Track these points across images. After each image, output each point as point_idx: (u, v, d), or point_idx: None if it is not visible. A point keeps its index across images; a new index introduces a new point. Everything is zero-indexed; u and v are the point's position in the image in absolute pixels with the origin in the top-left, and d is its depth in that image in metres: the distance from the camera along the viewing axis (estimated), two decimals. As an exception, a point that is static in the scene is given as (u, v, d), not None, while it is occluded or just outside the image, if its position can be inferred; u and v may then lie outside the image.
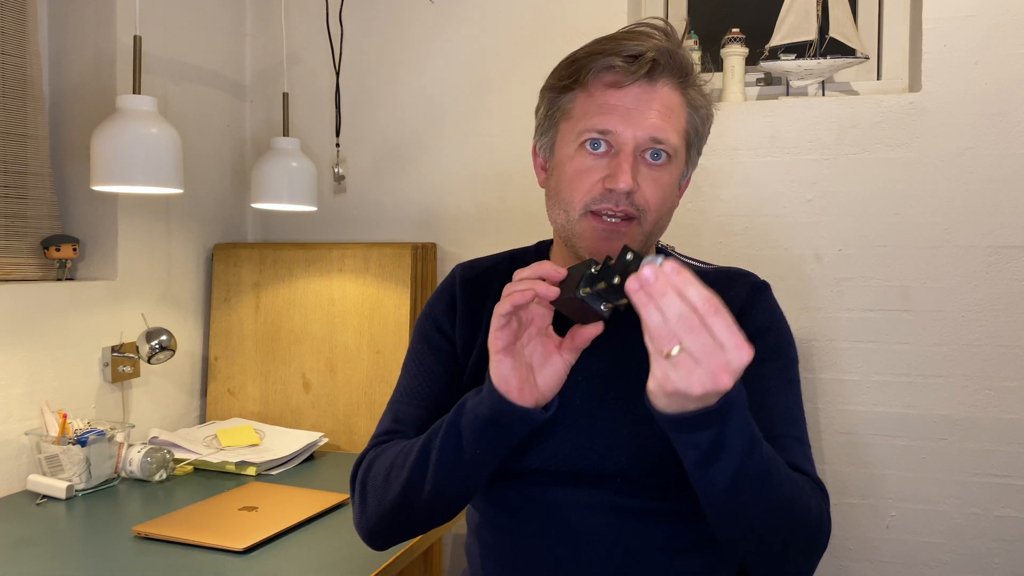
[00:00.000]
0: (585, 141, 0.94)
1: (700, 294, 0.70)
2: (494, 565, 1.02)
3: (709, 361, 0.69)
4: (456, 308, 1.06)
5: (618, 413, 0.96)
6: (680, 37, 0.98)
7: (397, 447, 0.98)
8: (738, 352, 0.69)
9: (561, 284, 0.82)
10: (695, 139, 1.00)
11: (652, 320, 0.70)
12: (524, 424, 0.86)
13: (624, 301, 0.76)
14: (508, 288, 0.83)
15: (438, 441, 0.90)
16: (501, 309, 0.83)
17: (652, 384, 0.73)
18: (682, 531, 0.96)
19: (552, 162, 1.01)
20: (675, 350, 0.69)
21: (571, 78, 0.96)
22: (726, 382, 0.70)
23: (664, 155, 0.95)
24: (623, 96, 0.93)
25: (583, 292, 0.79)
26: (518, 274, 0.84)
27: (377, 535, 1.00)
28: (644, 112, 0.93)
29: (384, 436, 1.03)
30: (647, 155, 0.94)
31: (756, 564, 0.90)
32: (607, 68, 0.94)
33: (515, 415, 0.85)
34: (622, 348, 0.96)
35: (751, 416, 0.79)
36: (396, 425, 1.04)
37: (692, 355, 0.69)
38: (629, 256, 0.76)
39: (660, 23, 0.97)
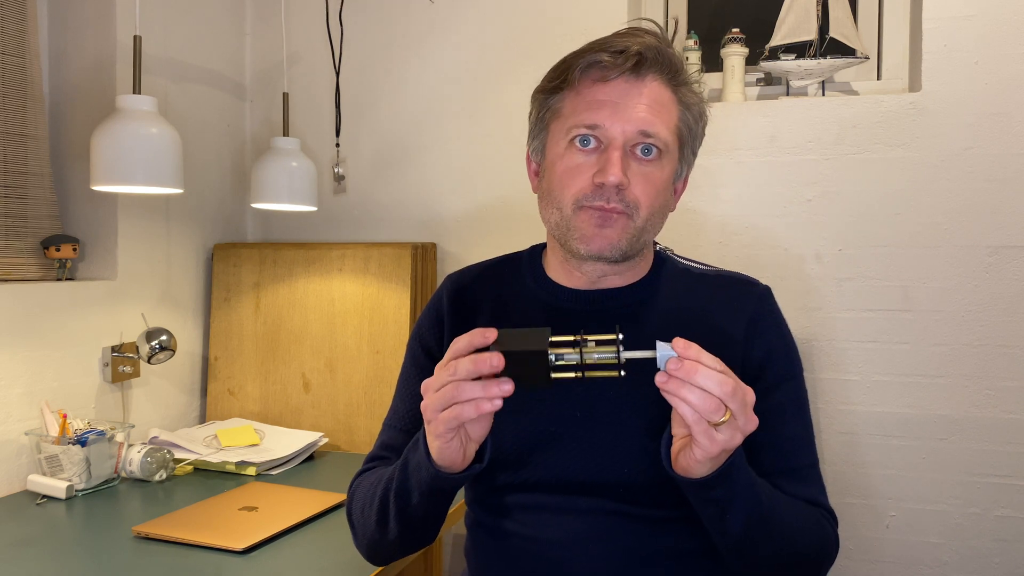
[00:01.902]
0: (574, 138, 0.94)
1: (713, 358, 0.76)
2: (495, 569, 1.02)
3: (745, 411, 0.76)
4: (444, 326, 1.06)
5: (619, 425, 0.95)
6: (671, 37, 0.97)
7: (371, 481, 1.01)
8: (751, 394, 0.78)
9: (507, 355, 0.78)
10: (688, 137, 0.99)
11: (693, 398, 0.75)
12: (465, 480, 0.88)
13: (572, 375, 0.79)
14: (451, 394, 0.78)
15: (392, 497, 0.93)
16: (450, 424, 0.80)
17: (698, 454, 0.78)
18: (685, 537, 0.96)
19: (544, 164, 1.00)
20: (726, 416, 0.75)
21: (559, 79, 0.96)
22: (755, 422, 0.78)
23: (655, 150, 0.94)
24: (610, 91, 0.93)
25: (554, 376, 0.79)
26: (450, 369, 0.79)
27: (372, 557, 1.04)
28: (632, 106, 0.92)
29: (372, 463, 1.07)
30: (637, 150, 0.93)
31: None
32: (594, 64, 0.94)
33: (457, 481, 0.87)
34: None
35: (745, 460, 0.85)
36: (383, 451, 1.07)
37: (735, 415, 0.76)
38: (620, 336, 0.78)
39: (649, 24, 0.97)
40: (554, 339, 0.79)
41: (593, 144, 0.94)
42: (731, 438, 0.76)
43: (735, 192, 1.88)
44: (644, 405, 0.94)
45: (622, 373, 0.78)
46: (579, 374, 0.79)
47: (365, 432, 1.91)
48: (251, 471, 1.67)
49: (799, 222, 1.85)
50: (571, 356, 0.79)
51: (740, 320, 1.00)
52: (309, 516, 1.40)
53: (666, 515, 0.95)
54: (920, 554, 1.80)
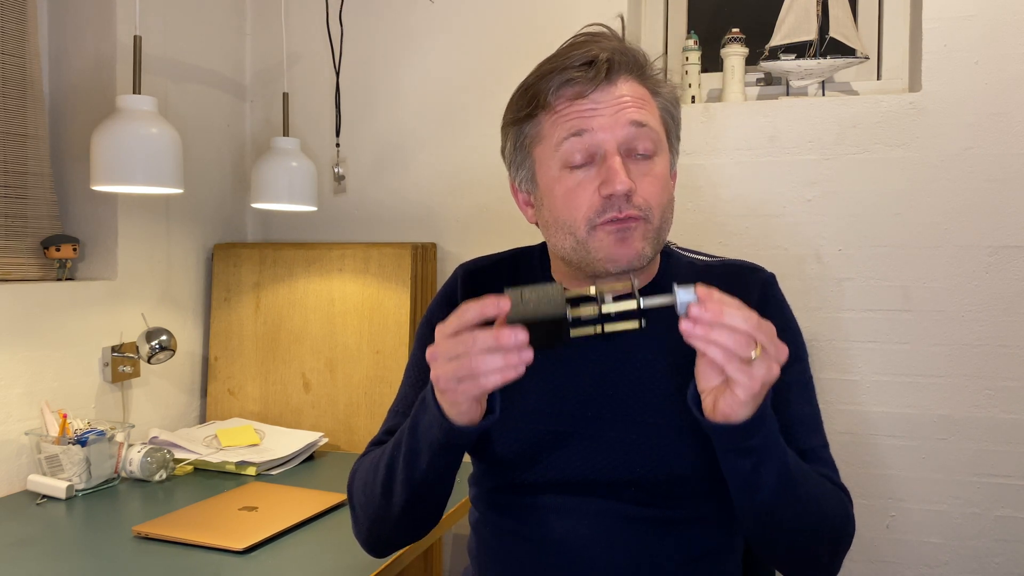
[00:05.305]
0: (566, 157, 0.92)
1: (736, 299, 0.76)
2: (500, 570, 1.02)
3: (773, 341, 0.76)
4: None
5: (629, 423, 0.95)
6: (621, 34, 0.97)
7: (372, 459, 0.99)
8: (771, 324, 0.77)
9: (524, 321, 0.77)
10: (672, 124, 0.99)
11: (723, 338, 0.74)
12: (476, 435, 0.87)
13: (594, 330, 0.78)
14: (470, 367, 0.77)
15: (400, 462, 0.91)
16: (473, 393, 0.79)
17: (741, 394, 0.76)
18: (693, 539, 0.96)
19: (538, 193, 0.98)
20: (757, 350, 0.75)
21: (530, 105, 0.94)
22: (785, 350, 0.77)
23: (649, 147, 0.94)
24: (589, 103, 0.92)
25: (573, 333, 0.78)
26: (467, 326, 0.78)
27: (372, 543, 1.02)
28: (616, 110, 0.91)
29: (374, 446, 1.05)
30: (632, 151, 0.93)
31: (787, 566, 0.93)
32: (565, 82, 0.92)
33: (470, 435, 0.86)
34: (631, 357, 0.96)
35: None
36: (387, 437, 1.05)
37: (766, 348, 0.75)
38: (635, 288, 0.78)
39: (599, 28, 0.96)
40: (569, 296, 0.78)
41: (587, 159, 0.92)
42: (768, 371, 0.75)
43: (735, 192, 1.88)
44: (656, 403, 0.94)
45: (643, 324, 0.78)
46: (598, 329, 0.78)
47: (365, 432, 1.91)
48: (251, 471, 1.67)
49: (799, 222, 1.85)
50: (588, 313, 0.78)
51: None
52: (309, 516, 1.40)
53: (677, 516, 0.95)
54: (920, 554, 1.80)
